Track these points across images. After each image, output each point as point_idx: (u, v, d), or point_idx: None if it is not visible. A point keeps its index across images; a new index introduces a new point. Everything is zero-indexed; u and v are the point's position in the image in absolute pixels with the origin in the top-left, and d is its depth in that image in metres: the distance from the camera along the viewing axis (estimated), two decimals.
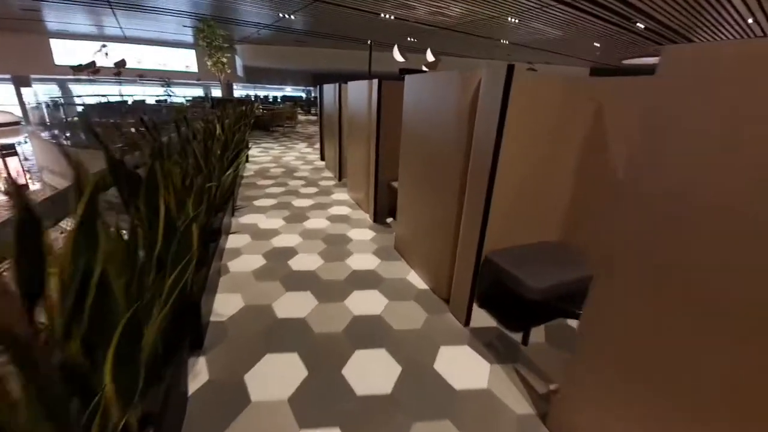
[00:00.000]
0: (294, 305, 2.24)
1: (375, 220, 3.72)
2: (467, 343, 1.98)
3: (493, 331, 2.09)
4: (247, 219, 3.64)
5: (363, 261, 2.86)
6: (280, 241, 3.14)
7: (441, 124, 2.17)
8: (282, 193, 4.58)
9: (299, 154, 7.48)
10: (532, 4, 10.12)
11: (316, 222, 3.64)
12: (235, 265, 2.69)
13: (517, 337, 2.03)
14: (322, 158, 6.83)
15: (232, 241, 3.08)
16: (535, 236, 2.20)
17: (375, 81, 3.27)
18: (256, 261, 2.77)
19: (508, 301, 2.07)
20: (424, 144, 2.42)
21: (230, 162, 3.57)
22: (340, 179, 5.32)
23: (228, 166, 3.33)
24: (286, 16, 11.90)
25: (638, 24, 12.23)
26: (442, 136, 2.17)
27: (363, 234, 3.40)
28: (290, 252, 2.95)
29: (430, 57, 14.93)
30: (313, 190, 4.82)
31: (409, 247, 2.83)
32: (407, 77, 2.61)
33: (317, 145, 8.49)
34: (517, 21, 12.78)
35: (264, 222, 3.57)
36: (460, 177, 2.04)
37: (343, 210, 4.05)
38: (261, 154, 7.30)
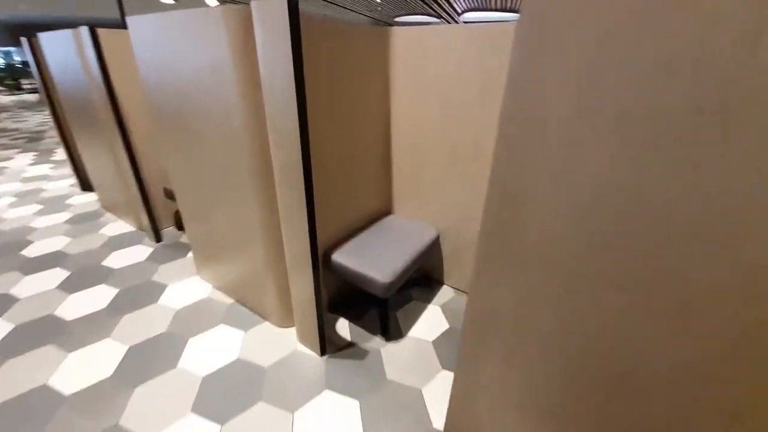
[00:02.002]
0: None
1: (323, 351, 1.61)
2: None
3: None
4: None
5: None
6: None
7: None
8: (9, 343, 1.62)
9: (22, 186, 3.62)
10: None
11: None
12: None
13: None
14: (85, 187, 3.46)
15: None
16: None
17: (261, 4, 1.03)
18: None
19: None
20: None
21: None
22: (158, 238, 2.53)
23: None
24: None
25: None
26: None
27: (322, 426, 1.30)
28: None
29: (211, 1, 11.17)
30: (109, 294, 1.97)
31: None
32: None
33: (59, 155, 4.59)
34: None
35: None
36: None
37: (221, 344, 1.66)
38: None
